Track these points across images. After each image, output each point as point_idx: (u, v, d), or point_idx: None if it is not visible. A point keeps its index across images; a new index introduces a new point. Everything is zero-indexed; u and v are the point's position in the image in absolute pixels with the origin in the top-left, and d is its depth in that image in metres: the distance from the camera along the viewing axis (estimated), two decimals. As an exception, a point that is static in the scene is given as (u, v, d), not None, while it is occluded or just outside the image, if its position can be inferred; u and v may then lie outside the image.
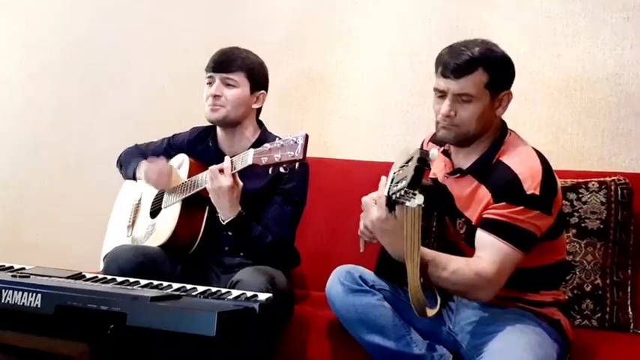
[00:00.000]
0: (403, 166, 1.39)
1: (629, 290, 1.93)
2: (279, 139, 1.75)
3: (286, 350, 1.83)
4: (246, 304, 1.39)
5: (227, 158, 1.80)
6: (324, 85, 2.62)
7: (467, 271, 1.48)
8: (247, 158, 1.75)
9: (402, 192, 1.32)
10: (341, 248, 2.11)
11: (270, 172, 1.74)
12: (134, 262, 1.78)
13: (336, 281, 1.68)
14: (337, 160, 2.43)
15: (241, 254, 1.91)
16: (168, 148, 2.10)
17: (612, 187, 1.96)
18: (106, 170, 2.21)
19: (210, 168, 1.80)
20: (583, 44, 2.27)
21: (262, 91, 1.98)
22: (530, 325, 1.57)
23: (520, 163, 1.56)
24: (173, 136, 2.13)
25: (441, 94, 1.60)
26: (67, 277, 1.57)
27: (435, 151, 1.35)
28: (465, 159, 1.64)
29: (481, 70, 1.56)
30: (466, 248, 1.62)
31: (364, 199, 1.49)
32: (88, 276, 1.62)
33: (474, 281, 1.48)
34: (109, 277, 1.65)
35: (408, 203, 1.32)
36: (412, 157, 1.35)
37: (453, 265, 1.47)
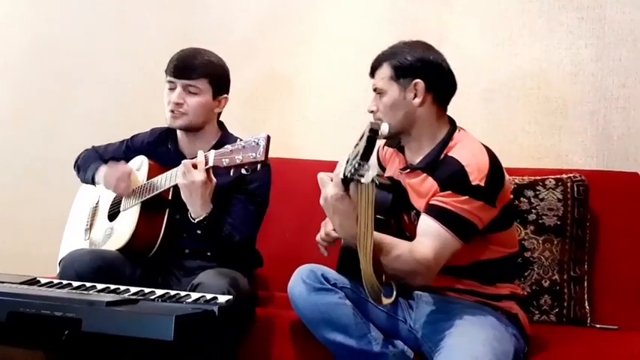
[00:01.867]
0: (356, 144, 1.39)
1: (585, 285, 1.97)
2: (241, 140, 1.73)
3: (249, 352, 1.81)
4: (205, 307, 1.38)
5: (200, 153, 1.76)
6: (286, 85, 2.61)
7: (409, 259, 1.49)
8: (209, 160, 1.74)
9: (356, 165, 1.31)
10: (305, 249, 2.09)
11: (231, 173, 1.73)
12: (91, 266, 1.74)
13: (299, 280, 1.66)
14: (300, 160, 2.42)
15: (208, 254, 1.88)
16: (127, 150, 2.06)
17: (569, 184, 2.00)
18: (68, 171, 2.16)
19: (183, 162, 1.75)
20: (540, 43, 2.31)
21: (225, 95, 1.96)
22: (489, 319, 1.59)
23: (467, 156, 1.58)
24: (132, 137, 2.10)
25: None
26: (21, 283, 1.54)
27: (386, 125, 1.41)
28: (416, 155, 1.68)
29: (385, 64, 1.66)
30: None
31: (320, 175, 1.48)
32: (43, 281, 1.59)
33: (414, 268, 1.50)
34: (64, 282, 1.62)
35: (362, 179, 1.32)
36: (363, 133, 1.35)
37: (396, 251, 1.48)
